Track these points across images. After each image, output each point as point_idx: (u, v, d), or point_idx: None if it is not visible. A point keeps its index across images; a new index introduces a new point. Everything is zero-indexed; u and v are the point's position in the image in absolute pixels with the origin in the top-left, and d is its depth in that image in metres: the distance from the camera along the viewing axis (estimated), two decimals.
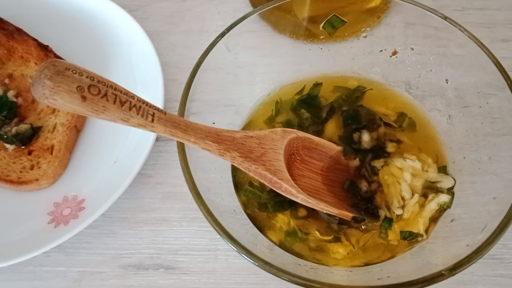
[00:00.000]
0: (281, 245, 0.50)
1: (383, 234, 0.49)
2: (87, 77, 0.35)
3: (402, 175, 0.51)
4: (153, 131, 0.40)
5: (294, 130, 0.50)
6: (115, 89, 0.37)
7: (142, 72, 0.63)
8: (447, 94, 0.55)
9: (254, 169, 0.45)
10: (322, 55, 0.61)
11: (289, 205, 0.51)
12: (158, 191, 0.59)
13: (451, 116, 0.55)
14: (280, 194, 0.48)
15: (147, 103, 0.39)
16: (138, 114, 0.38)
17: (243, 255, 0.40)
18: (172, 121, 0.40)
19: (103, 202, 0.53)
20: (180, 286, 0.54)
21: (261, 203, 0.52)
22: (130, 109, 0.37)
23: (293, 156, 0.50)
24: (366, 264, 0.48)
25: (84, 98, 0.35)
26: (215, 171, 0.52)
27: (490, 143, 0.50)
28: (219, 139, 0.44)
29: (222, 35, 0.52)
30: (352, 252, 0.49)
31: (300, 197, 0.47)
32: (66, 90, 0.33)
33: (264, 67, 0.61)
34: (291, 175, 0.48)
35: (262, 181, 0.46)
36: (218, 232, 0.41)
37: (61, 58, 0.64)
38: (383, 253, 0.49)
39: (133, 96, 0.38)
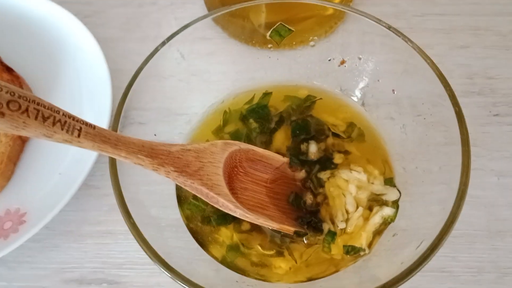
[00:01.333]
0: (223, 261, 0.48)
1: (326, 249, 0.48)
2: (6, 92, 0.34)
3: (348, 187, 0.50)
4: (81, 147, 0.38)
5: (237, 142, 0.49)
6: (37, 103, 0.35)
7: (89, 79, 0.61)
8: (401, 103, 0.54)
9: (190, 184, 0.44)
10: (277, 62, 0.60)
11: (233, 218, 0.50)
12: (104, 203, 0.58)
13: (405, 125, 0.54)
14: None
15: (74, 118, 0.38)
16: (62, 129, 0.36)
17: (176, 280, 0.39)
18: (101, 136, 0.39)
19: (45, 215, 0.52)
20: None
21: (205, 216, 0.51)
22: (53, 124, 0.36)
23: (236, 169, 0.49)
24: (310, 279, 0.47)
25: (2, 114, 0.33)
26: (156, 183, 0.51)
27: (441, 152, 0.49)
28: (153, 153, 0.42)
29: (168, 40, 0.51)
30: (295, 267, 0.48)
31: (238, 212, 0.46)
32: None
33: (218, 75, 0.60)
34: (232, 188, 0.47)
35: (199, 195, 0.45)
36: (148, 255, 0.40)
37: (7, 66, 0.62)
38: (327, 267, 0.48)
39: (58, 111, 0.36)
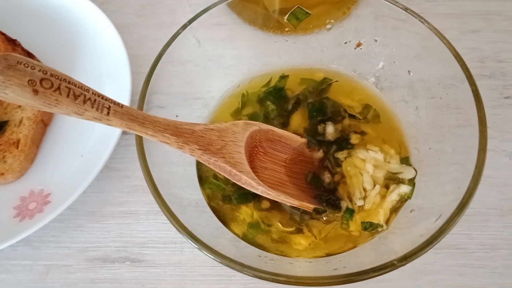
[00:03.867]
0: (244, 238, 0.50)
1: (345, 225, 0.49)
2: (39, 70, 0.35)
3: (365, 166, 0.51)
4: (109, 124, 0.40)
5: (257, 122, 0.50)
6: (69, 82, 0.37)
7: (108, 64, 0.63)
8: (414, 86, 0.55)
9: (214, 162, 0.45)
10: (291, 47, 0.61)
11: (253, 197, 0.51)
12: (126, 185, 0.59)
13: (418, 107, 0.55)
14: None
15: (103, 97, 0.39)
16: (92, 107, 0.38)
17: (203, 251, 0.40)
18: (129, 115, 0.40)
19: (69, 196, 0.53)
20: (146, 279, 0.54)
21: (225, 195, 0.52)
22: (84, 102, 0.37)
23: (256, 149, 0.50)
24: (328, 255, 0.48)
25: (36, 91, 0.34)
26: (177, 164, 0.52)
27: (454, 134, 0.50)
28: (178, 132, 0.44)
29: (184, 27, 0.52)
30: (314, 243, 0.49)
31: (260, 189, 0.47)
32: (17, 83, 0.33)
33: (234, 60, 0.61)
34: (253, 168, 0.48)
35: (222, 173, 0.46)
36: (176, 228, 0.41)
37: (29, 52, 0.63)
38: (345, 243, 0.49)
39: (88, 90, 0.38)
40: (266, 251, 0.49)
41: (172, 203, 0.44)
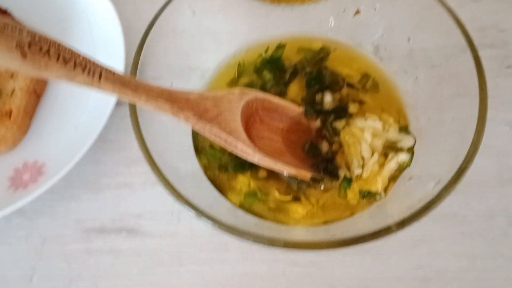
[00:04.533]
0: (241, 207, 0.49)
1: (342, 194, 0.49)
2: (27, 34, 0.34)
3: (363, 135, 0.50)
4: (102, 90, 0.39)
5: (253, 90, 0.50)
6: (58, 46, 0.36)
7: (102, 36, 0.61)
8: (414, 55, 0.54)
9: (209, 129, 0.45)
10: (288, 16, 0.60)
11: (250, 166, 0.51)
12: (122, 156, 0.59)
13: (418, 77, 0.54)
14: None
15: (94, 63, 0.38)
16: (83, 72, 0.37)
17: (201, 218, 0.40)
18: (121, 81, 0.40)
19: (63, 167, 0.53)
20: (143, 249, 0.53)
21: (222, 165, 0.51)
22: (74, 67, 0.36)
23: (252, 118, 0.50)
24: (326, 223, 0.48)
25: (24, 55, 0.34)
26: (173, 134, 0.51)
27: (454, 103, 0.49)
28: (172, 99, 0.43)
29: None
30: (311, 212, 0.49)
31: (256, 157, 0.46)
32: (5, 47, 0.33)
33: (230, 30, 0.60)
34: (249, 136, 0.47)
35: (217, 141, 0.46)
36: (173, 197, 0.41)
37: (19, 21, 0.62)
38: (343, 212, 0.49)
39: (78, 55, 0.37)
40: (263, 220, 0.49)
41: (169, 174, 0.43)
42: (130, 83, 0.40)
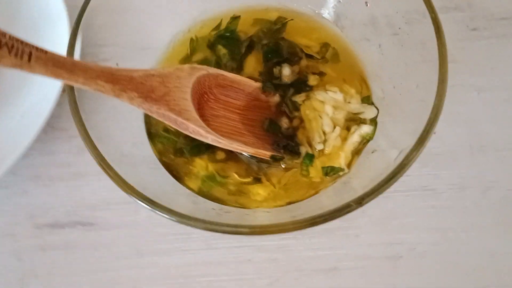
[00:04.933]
0: (200, 192, 0.47)
1: (305, 172, 0.46)
2: None
3: (324, 108, 0.48)
4: (33, 72, 0.35)
5: (204, 66, 0.46)
6: None
7: (44, 18, 0.57)
8: (377, 22, 0.51)
9: (156, 110, 0.41)
10: None
11: (206, 148, 0.48)
12: (73, 145, 0.55)
13: (381, 44, 0.51)
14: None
15: (22, 42, 0.34)
16: (10, 53, 0.33)
17: (157, 211, 0.37)
18: (54, 61, 0.36)
19: (8, 158, 0.49)
20: (99, 242, 0.51)
21: (177, 148, 0.48)
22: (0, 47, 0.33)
23: (206, 95, 0.47)
24: (289, 203, 0.46)
25: None
26: (124, 118, 0.48)
27: (418, 70, 0.47)
28: (114, 79, 0.40)
29: None
30: (274, 192, 0.46)
31: (209, 138, 0.43)
32: None
33: (183, 3, 0.56)
34: (203, 115, 0.45)
35: (167, 123, 0.43)
36: (123, 190, 0.38)
37: None
38: (306, 190, 0.46)
39: (4, 34, 0.33)
40: (224, 204, 0.46)
41: (121, 163, 0.40)
42: (65, 64, 0.36)
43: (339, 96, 0.48)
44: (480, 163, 0.52)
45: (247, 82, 0.49)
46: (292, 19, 0.54)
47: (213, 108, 0.47)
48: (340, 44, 0.53)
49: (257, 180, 0.47)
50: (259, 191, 0.46)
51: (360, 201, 0.35)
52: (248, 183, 0.47)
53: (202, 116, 0.44)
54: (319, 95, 0.48)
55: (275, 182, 0.46)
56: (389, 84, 0.50)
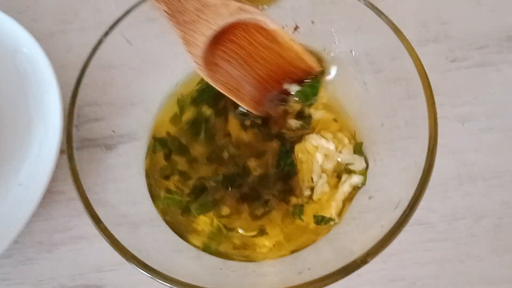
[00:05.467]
0: (205, 249, 0.47)
1: (299, 219, 0.47)
2: None
3: (315, 154, 0.49)
4: None
5: (255, 10, 0.43)
6: None
7: (33, 83, 0.58)
8: (359, 61, 0.53)
9: (171, 28, 0.41)
10: None
11: (213, 205, 0.49)
12: (73, 207, 0.56)
13: (366, 83, 0.53)
14: (202, 194, 0.46)
15: None
16: None
17: (157, 280, 0.38)
18: None
19: (13, 229, 0.50)
20: None
21: (183, 207, 0.49)
22: None
23: (229, 43, 0.45)
24: (293, 252, 0.47)
25: None
26: (122, 181, 0.49)
27: (405, 106, 0.49)
28: None
29: (111, 27, 0.48)
30: (278, 243, 0.48)
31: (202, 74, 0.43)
32: None
33: (170, 57, 0.57)
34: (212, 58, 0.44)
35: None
36: (122, 255, 0.39)
37: None
38: (307, 237, 0.47)
39: None
40: (229, 259, 0.47)
41: (121, 225, 0.41)
42: None
43: (331, 146, 0.49)
44: (470, 193, 0.54)
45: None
46: None
47: (225, 59, 0.46)
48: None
49: (262, 232, 0.48)
50: (265, 243, 0.47)
51: (366, 258, 0.36)
52: (253, 236, 0.48)
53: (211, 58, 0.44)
54: (313, 139, 0.50)
55: (278, 232, 0.48)
56: (377, 121, 0.51)
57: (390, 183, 0.47)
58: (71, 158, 0.42)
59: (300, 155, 0.50)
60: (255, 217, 0.49)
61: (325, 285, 0.36)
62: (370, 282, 0.50)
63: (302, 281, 0.37)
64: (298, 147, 0.50)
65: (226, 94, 0.46)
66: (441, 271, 0.51)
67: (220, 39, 0.43)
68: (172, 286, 0.38)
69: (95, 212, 0.40)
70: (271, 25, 0.43)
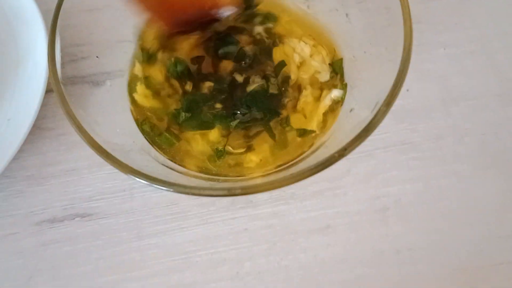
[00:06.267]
0: (202, 171, 0.48)
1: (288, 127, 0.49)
2: None
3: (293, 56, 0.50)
4: None
5: None
6: None
7: (20, 24, 0.58)
8: None
9: None
10: None
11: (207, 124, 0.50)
12: (62, 142, 0.56)
13: (349, 14, 0.54)
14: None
15: None
16: None
17: (155, 185, 0.38)
18: None
19: (1, 162, 0.51)
20: (100, 231, 0.52)
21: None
22: None
23: None
24: (279, 166, 0.47)
25: None
26: (107, 112, 0.49)
27: (386, 34, 0.49)
28: None
29: None
30: (264, 158, 0.48)
31: None
32: None
33: None
34: None
35: None
36: (122, 171, 0.39)
37: None
38: (294, 150, 0.48)
39: None
40: (220, 176, 0.48)
41: (115, 151, 0.41)
42: None
43: (306, 49, 0.50)
44: (453, 114, 0.54)
45: None
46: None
47: None
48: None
49: (250, 148, 0.49)
50: (252, 158, 0.48)
51: (342, 152, 0.37)
52: (241, 153, 0.49)
53: None
54: (291, 43, 0.51)
55: (266, 148, 0.48)
56: (360, 50, 0.52)
57: (369, 96, 0.47)
58: (57, 84, 0.42)
59: (278, 57, 0.51)
60: (247, 137, 0.50)
61: (304, 177, 0.37)
62: (356, 200, 0.51)
63: (282, 175, 0.38)
64: (276, 50, 0.51)
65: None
66: (426, 187, 0.51)
67: None
68: (167, 189, 0.38)
69: (90, 136, 0.40)
70: None
